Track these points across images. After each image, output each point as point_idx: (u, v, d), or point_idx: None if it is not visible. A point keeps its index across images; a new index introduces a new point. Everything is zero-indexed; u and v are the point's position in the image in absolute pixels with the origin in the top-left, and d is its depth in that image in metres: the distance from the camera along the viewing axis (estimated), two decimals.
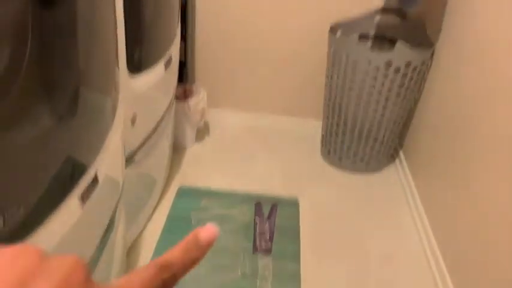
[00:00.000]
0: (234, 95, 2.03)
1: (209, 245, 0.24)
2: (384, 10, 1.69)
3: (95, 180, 0.76)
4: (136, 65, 1.02)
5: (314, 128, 2.00)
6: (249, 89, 2.01)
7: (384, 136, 1.72)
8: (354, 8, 1.71)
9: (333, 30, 1.67)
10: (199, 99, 1.75)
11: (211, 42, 1.86)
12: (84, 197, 0.72)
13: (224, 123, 2.02)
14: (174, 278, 0.23)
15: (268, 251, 1.36)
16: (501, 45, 1.12)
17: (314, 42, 1.82)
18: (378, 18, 1.70)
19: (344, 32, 1.67)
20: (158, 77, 1.13)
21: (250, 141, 1.95)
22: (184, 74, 1.87)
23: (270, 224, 1.45)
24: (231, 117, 2.04)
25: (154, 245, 1.34)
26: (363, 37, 1.69)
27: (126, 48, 0.98)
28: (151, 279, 0.21)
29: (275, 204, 1.55)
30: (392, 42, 1.57)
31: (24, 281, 0.18)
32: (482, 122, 1.18)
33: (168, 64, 1.19)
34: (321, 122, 1.90)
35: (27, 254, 0.19)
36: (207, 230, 0.25)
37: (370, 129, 1.69)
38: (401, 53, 1.48)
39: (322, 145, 1.91)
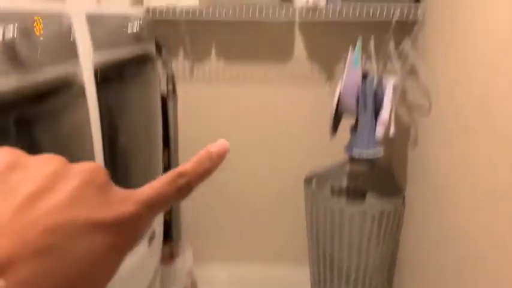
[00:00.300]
0: (221, 247, 2.05)
1: (220, 157, 0.27)
2: (353, 160, 1.83)
3: None
4: None
5: (304, 274, 1.98)
6: (235, 241, 2.04)
7: (371, 280, 1.71)
8: (327, 158, 1.85)
9: (307, 181, 1.79)
10: (185, 259, 1.76)
11: (195, 202, 1.96)
12: None
13: (212, 278, 2.00)
14: (188, 185, 0.25)
15: None
16: (456, 187, 1.22)
17: (293, 189, 1.92)
18: (348, 168, 1.84)
19: (318, 182, 1.79)
20: (142, 255, 1.17)
21: None
22: (170, 233, 1.91)
23: None
24: (218, 271, 2.03)
25: None
26: (336, 188, 1.80)
27: None
28: (167, 184, 0.24)
29: None
30: (364, 192, 1.68)
31: (53, 178, 0.20)
32: (457, 260, 1.21)
33: (151, 239, 1.25)
34: (309, 268, 1.89)
35: (55, 160, 0.22)
36: (218, 145, 0.27)
37: (357, 275, 1.69)
38: (373, 203, 1.57)
39: None
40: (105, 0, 1.52)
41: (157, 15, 1.53)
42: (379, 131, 1.40)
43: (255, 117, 1.88)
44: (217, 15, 1.53)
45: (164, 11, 1.52)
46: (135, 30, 1.18)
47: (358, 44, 1.42)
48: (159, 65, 1.79)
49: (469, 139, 1.17)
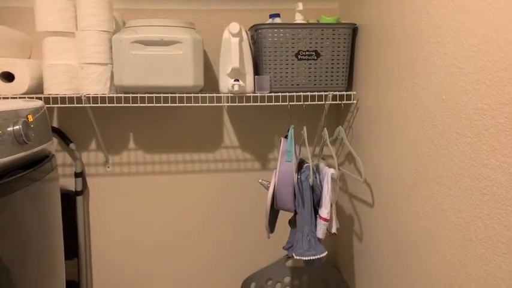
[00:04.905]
0: None
1: None
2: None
3: None
4: None
5: None
6: None
7: None
8: (266, 258, 1.65)
9: (245, 284, 1.56)
10: None
11: None
12: None
13: None
14: None
15: None
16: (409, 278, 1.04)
17: None
18: (290, 263, 1.64)
19: (258, 284, 1.57)
20: None
21: None
22: None
23: None
24: None
25: None
26: None
27: None
28: None
29: None
30: None
31: None
32: None
33: None
34: None
35: None
36: None
37: None
38: None
39: None
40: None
41: (59, 103, 1.31)
42: (320, 232, 1.23)
43: (180, 214, 1.63)
44: (123, 102, 1.33)
45: (67, 98, 1.30)
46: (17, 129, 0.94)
47: (290, 134, 1.28)
48: (67, 157, 1.53)
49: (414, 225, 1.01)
